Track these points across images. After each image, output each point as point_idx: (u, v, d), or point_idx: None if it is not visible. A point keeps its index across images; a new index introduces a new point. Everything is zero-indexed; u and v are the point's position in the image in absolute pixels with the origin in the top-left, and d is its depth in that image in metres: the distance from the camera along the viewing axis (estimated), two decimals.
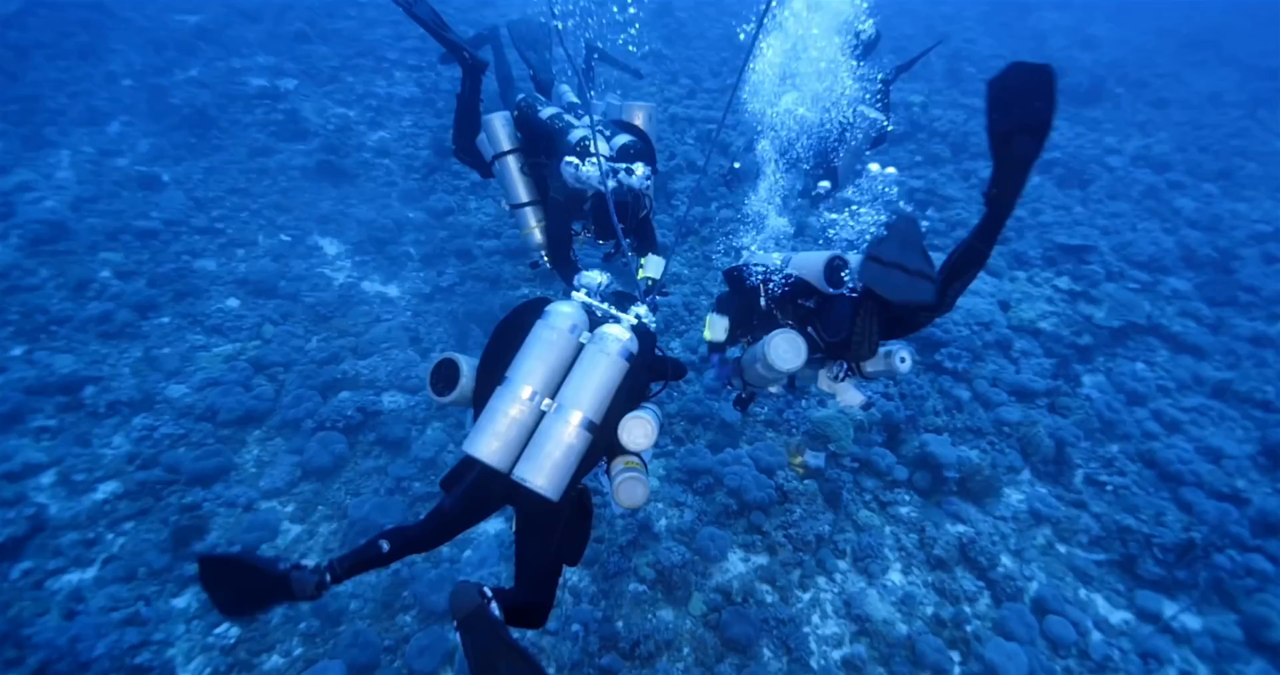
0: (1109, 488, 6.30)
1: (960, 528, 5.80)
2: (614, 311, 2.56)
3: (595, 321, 2.42)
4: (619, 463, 2.42)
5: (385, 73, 12.07)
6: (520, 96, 3.57)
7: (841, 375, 3.03)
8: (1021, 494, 6.24)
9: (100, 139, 9.67)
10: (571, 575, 5.16)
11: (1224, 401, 7.28)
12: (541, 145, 3.40)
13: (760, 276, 3.20)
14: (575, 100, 3.76)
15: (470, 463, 2.31)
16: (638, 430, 2.29)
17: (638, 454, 2.54)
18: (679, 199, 9.48)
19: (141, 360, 6.48)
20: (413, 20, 3.03)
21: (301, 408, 5.91)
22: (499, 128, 3.42)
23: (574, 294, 2.55)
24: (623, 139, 3.27)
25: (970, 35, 18.14)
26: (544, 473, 2.09)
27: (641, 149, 3.30)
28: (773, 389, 3.33)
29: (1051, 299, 8.20)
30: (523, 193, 3.47)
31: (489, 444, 2.10)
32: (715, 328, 3.30)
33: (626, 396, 2.34)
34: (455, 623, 2.05)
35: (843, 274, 3.06)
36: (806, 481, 5.75)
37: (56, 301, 6.95)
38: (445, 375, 2.44)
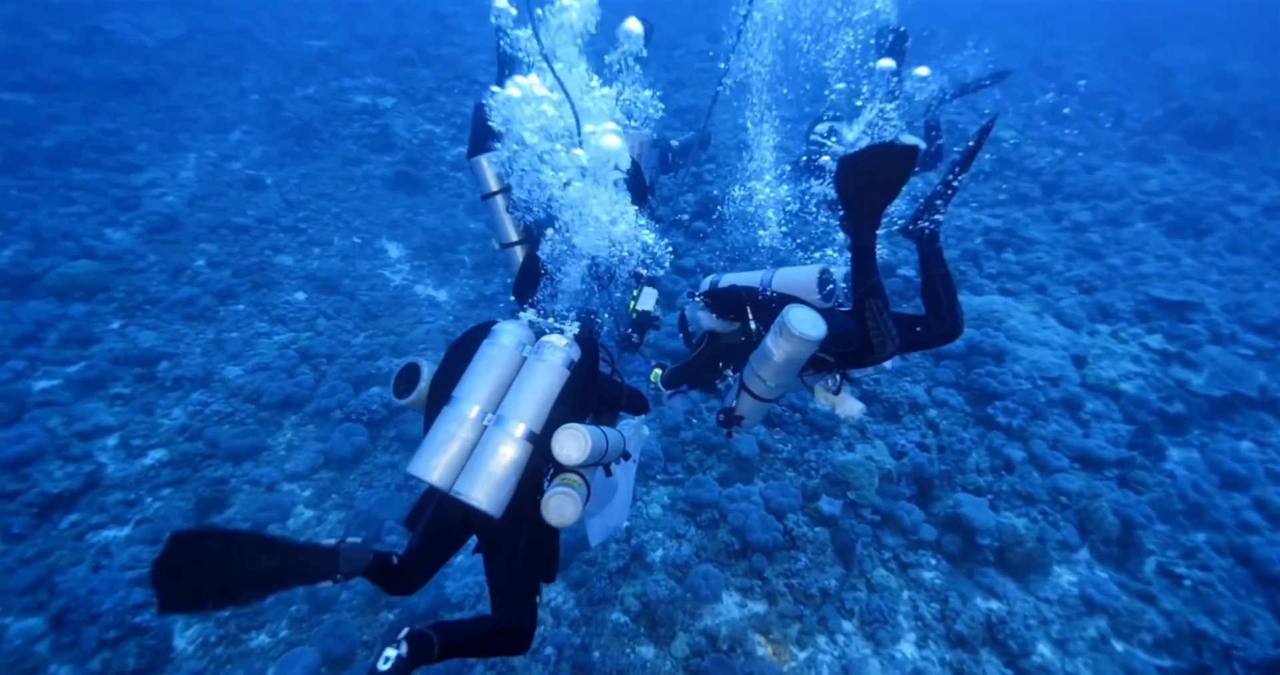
0: (1187, 583, 5.42)
1: (992, 604, 5.18)
2: (557, 324, 2.53)
3: (542, 335, 2.43)
4: (559, 478, 2.35)
5: (475, 94, 12.85)
6: None
7: (836, 387, 2.95)
8: (1074, 575, 5.50)
9: (222, 145, 10.90)
10: (556, 595, 5.06)
11: None
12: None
13: (747, 297, 3.06)
14: None
15: (428, 497, 2.34)
16: (569, 443, 2.21)
17: (579, 470, 2.47)
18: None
19: (212, 342, 7.12)
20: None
21: (334, 398, 6.25)
22: (486, 168, 3.45)
23: (521, 314, 2.56)
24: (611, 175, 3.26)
25: (1082, 70, 16.91)
26: (481, 487, 2.04)
27: (628, 184, 3.28)
28: (774, 402, 3.13)
29: (1139, 358, 7.30)
30: (512, 232, 3.48)
31: (429, 462, 2.08)
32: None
33: (570, 406, 2.30)
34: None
35: (831, 287, 2.93)
36: (818, 529, 5.36)
37: (155, 284, 7.81)
38: (409, 378, 2.48)
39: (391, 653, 1.80)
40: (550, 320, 2.57)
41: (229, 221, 8.88)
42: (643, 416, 3.20)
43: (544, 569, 2.34)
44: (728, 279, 3.14)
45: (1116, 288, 8.50)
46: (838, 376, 2.96)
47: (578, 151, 2.55)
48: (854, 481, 5.58)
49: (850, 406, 3.00)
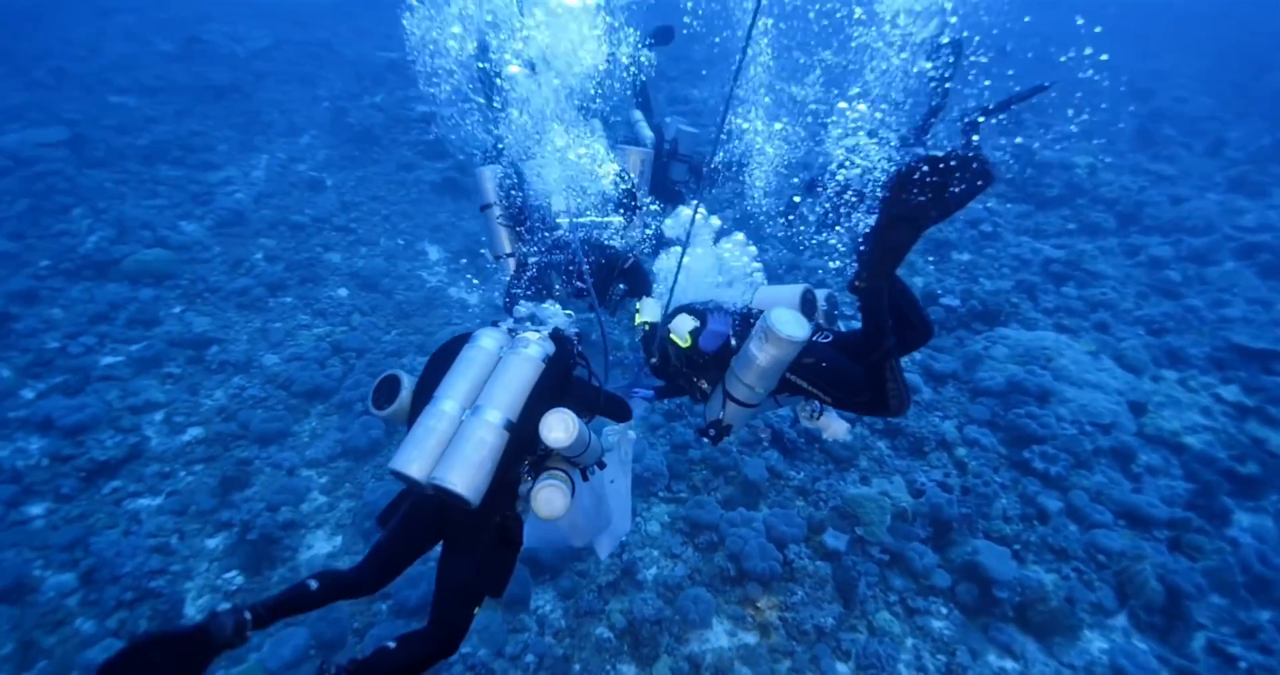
0: (1242, 665, 4.84)
1: (1007, 663, 4.77)
2: (535, 327, 2.53)
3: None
4: (544, 472, 2.40)
5: None
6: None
7: (817, 413, 2.87)
8: (1107, 642, 5.00)
9: (292, 148, 11.64)
10: (545, 604, 5.03)
11: None
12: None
13: (728, 318, 2.96)
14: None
15: (404, 495, 2.39)
16: (557, 425, 2.23)
17: (562, 466, 2.48)
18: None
19: (258, 330, 7.56)
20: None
21: (358, 391, 6.49)
22: (486, 180, 3.50)
23: (500, 323, 2.57)
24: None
25: (1182, 93, 15.72)
26: (458, 471, 2.05)
27: (620, 200, 3.26)
28: (758, 407, 3.02)
29: (1209, 410, 6.63)
30: (505, 244, 3.53)
31: (408, 456, 2.09)
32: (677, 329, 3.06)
33: (546, 398, 2.32)
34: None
35: (818, 309, 2.82)
36: (819, 563, 5.12)
37: (216, 273, 8.38)
38: (389, 390, 2.46)
39: None
40: (529, 325, 2.58)
41: (288, 219, 9.45)
42: (628, 422, 3.15)
43: (493, 582, 2.32)
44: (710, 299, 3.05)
45: (1192, 331, 7.78)
46: (818, 404, 2.83)
47: None
48: (864, 516, 5.30)
49: (837, 427, 2.91)
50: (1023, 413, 6.29)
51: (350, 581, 2.18)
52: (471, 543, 2.30)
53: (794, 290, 2.82)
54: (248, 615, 1.87)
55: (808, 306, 2.83)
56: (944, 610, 5.04)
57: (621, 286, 3.58)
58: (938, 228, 10.40)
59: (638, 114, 4.32)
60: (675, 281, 2.88)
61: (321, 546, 5.36)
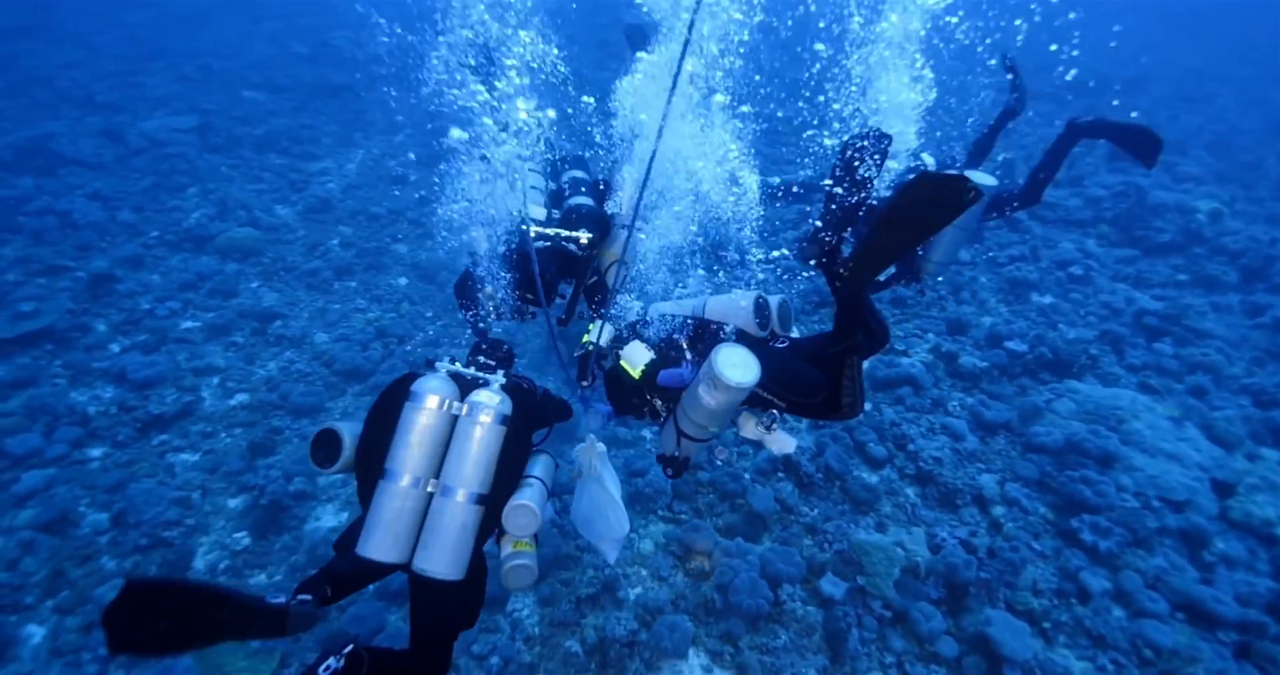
0: None
1: None
2: (482, 375, 2.42)
3: (466, 386, 2.31)
4: (508, 544, 2.35)
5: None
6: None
7: (772, 423, 2.72)
8: None
9: (386, 145, 12.48)
10: (523, 608, 4.99)
11: None
12: None
13: (678, 328, 2.86)
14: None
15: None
16: (521, 521, 2.25)
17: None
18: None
19: (318, 310, 8.10)
20: None
21: (391, 376, 6.77)
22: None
23: (438, 364, 2.42)
24: (576, 200, 3.23)
25: None
26: (443, 560, 2.07)
27: (588, 213, 3.21)
28: (714, 438, 2.89)
29: None
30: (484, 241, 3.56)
31: (382, 543, 2.08)
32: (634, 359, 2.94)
33: (511, 459, 2.30)
34: None
35: (772, 316, 2.68)
36: (810, 608, 4.76)
37: (294, 254, 9.08)
38: (328, 445, 2.34)
39: (332, 661, 1.97)
40: (472, 369, 2.45)
41: (367, 209, 10.11)
42: (593, 432, 3.07)
43: (468, 617, 2.36)
44: (658, 309, 2.94)
45: None
46: (775, 413, 2.69)
47: None
48: (869, 566, 4.89)
49: (783, 442, 2.74)
50: (1077, 476, 5.60)
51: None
52: (445, 594, 2.26)
53: (746, 298, 2.66)
54: (307, 627, 2.03)
55: (761, 313, 2.67)
56: None
57: (581, 302, 3.50)
58: (1017, 266, 9.56)
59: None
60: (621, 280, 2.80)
61: (328, 520, 5.60)
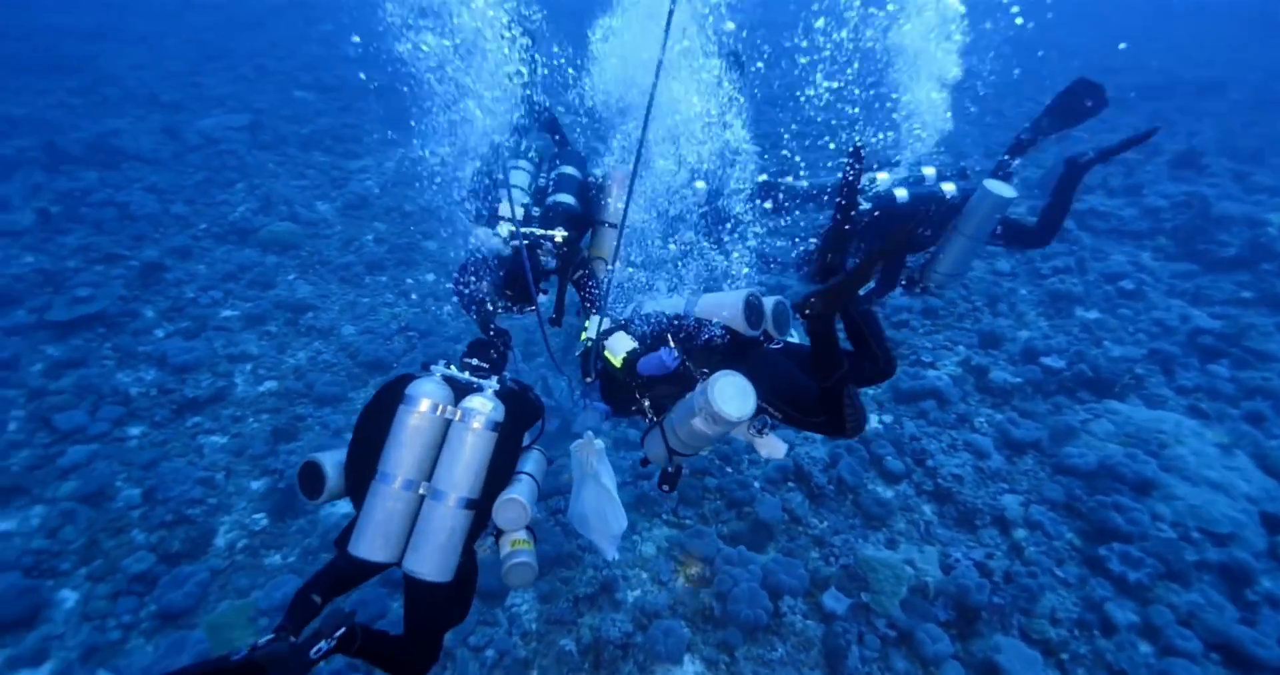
0: None
1: None
2: (476, 379, 2.42)
3: (460, 389, 2.32)
4: (506, 542, 2.39)
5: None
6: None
7: (764, 428, 2.63)
8: None
9: (426, 145, 12.77)
10: (523, 603, 5.01)
11: None
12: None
13: (669, 328, 2.80)
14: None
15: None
16: (510, 513, 2.27)
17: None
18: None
19: (348, 303, 8.35)
20: None
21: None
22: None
23: (433, 367, 2.44)
24: (557, 197, 3.21)
25: None
26: (433, 562, 2.13)
27: (567, 211, 3.19)
28: (704, 452, 2.90)
29: None
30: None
31: (373, 543, 2.13)
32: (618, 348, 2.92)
33: (501, 464, 2.32)
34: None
35: (765, 317, 2.64)
36: (810, 622, 4.63)
37: (330, 248, 9.39)
38: (312, 478, 2.34)
39: (324, 644, 2.01)
40: (466, 374, 2.45)
41: (401, 206, 10.38)
42: (589, 430, 3.06)
43: (457, 614, 2.41)
44: (648, 307, 2.89)
45: None
46: (766, 418, 2.59)
47: None
48: (875, 583, 4.73)
49: (774, 447, 2.64)
50: (1109, 502, 5.29)
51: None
52: (437, 591, 2.29)
53: (737, 297, 2.58)
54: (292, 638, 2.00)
55: (753, 313, 2.58)
56: None
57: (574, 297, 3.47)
58: (1060, 278, 9.12)
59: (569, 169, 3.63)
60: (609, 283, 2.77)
61: (343, 505, 5.72)
